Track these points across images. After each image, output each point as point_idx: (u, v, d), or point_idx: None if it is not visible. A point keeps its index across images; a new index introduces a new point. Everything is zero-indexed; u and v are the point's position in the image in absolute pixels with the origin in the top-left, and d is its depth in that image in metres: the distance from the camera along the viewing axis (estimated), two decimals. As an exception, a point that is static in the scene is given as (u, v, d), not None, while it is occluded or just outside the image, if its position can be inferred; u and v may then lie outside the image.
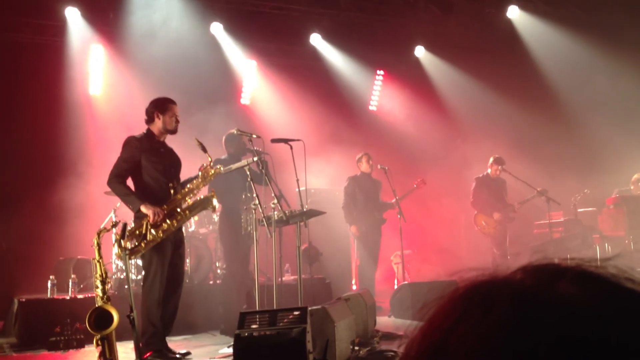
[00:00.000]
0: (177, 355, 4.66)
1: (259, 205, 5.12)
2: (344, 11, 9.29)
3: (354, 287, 8.14)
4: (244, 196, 5.64)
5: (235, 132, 5.54)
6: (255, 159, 5.26)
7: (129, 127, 6.00)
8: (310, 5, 9.10)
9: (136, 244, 4.38)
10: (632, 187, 8.81)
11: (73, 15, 7.95)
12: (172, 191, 4.64)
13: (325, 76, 9.72)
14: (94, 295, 3.83)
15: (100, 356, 3.62)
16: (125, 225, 3.97)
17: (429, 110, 10.02)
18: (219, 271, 6.95)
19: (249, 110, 9.38)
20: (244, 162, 5.20)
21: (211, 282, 6.88)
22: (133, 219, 4.67)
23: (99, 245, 3.77)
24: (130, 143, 4.65)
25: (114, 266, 6.54)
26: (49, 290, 5.87)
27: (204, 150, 4.75)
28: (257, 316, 3.84)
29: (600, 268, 0.52)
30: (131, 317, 3.71)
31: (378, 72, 10.32)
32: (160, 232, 4.46)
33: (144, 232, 4.39)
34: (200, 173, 4.77)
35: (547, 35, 9.67)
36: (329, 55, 9.70)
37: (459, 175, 9.41)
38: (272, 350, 3.60)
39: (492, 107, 9.89)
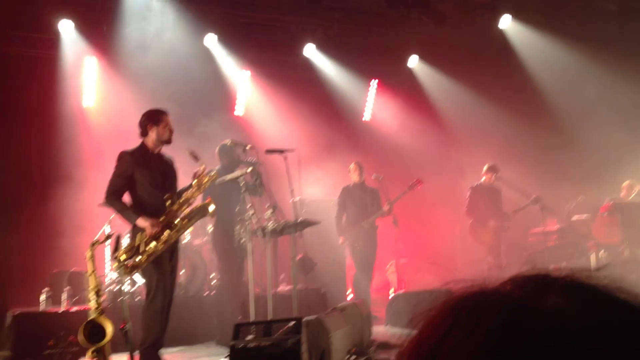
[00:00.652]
0: (172, 368, 4.63)
1: (253, 216, 5.12)
2: (338, 22, 9.33)
3: (350, 297, 8.12)
4: (237, 207, 5.64)
5: (228, 143, 5.56)
6: (250, 169, 5.27)
7: (123, 139, 5.99)
8: (304, 17, 9.14)
9: (137, 258, 4.37)
10: (622, 194, 8.86)
11: (67, 28, 7.96)
12: (168, 202, 4.65)
13: (319, 87, 9.76)
14: (88, 307, 3.81)
15: (94, 369, 3.60)
16: (118, 237, 3.96)
17: (423, 119, 10.06)
18: (213, 282, 6.92)
19: (242, 121, 9.40)
20: (237, 172, 5.21)
21: (206, 294, 6.86)
22: (131, 229, 4.67)
23: (92, 257, 3.76)
24: (122, 158, 4.67)
25: (107, 278, 6.52)
26: (42, 303, 5.84)
27: (196, 159, 4.76)
28: (252, 327, 3.82)
29: (591, 278, 0.52)
30: (125, 330, 3.69)
31: (372, 82, 10.36)
32: (160, 243, 4.47)
33: (143, 245, 4.39)
34: (194, 181, 4.77)
35: (539, 44, 9.74)
36: (323, 65, 9.74)
37: (453, 184, 9.44)
38: (268, 361, 3.59)
39: (485, 116, 9.94)
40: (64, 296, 5.90)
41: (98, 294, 3.73)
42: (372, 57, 9.90)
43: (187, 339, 6.04)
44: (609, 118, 9.60)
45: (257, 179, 5.35)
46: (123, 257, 4.27)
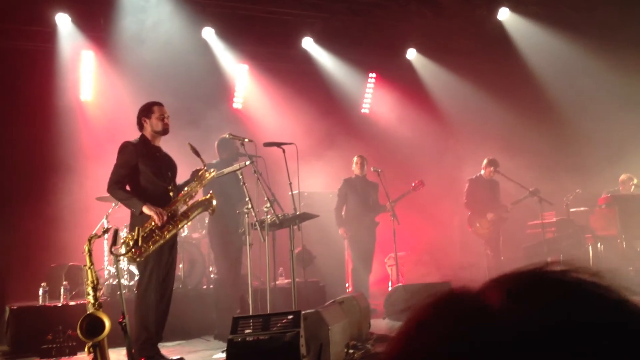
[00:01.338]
0: (170, 361, 4.63)
1: (251, 209, 5.12)
2: (336, 15, 9.30)
3: (348, 290, 8.13)
4: (234, 200, 5.64)
5: (227, 136, 5.55)
6: (248, 162, 5.26)
7: (121, 133, 5.97)
8: (302, 10, 9.10)
9: (144, 245, 4.36)
10: (620, 188, 8.87)
11: (64, 22, 7.93)
12: (171, 194, 4.66)
13: (317, 79, 9.73)
14: (86, 301, 3.80)
15: (92, 363, 3.60)
16: (116, 231, 3.95)
17: (421, 112, 10.04)
18: (212, 276, 6.93)
19: (241, 114, 9.37)
20: (236, 166, 5.19)
21: (204, 287, 6.86)
22: (129, 222, 4.66)
23: (90, 251, 3.75)
24: (126, 148, 4.66)
25: (106, 272, 6.52)
26: (40, 297, 5.83)
27: (197, 154, 4.76)
28: (250, 321, 3.82)
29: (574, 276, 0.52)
30: (123, 324, 3.69)
31: (370, 75, 10.34)
32: (165, 232, 4.47)
33: (148, 232, 4.39)
34: (195, 177, 4.78)
35: (537, 36, 9.71)
36: (321, 58, 9.71)
37: (452, 176, 9.44)
38: (266, 355, 3.59)
39: (484, 108, 9.93)
40: (62, 290, 5.90)
41: (95, 288, 3.72)
42: (371, 49, 9.87)
43: (186, 333, 6.04)
44: (608, 110, 9.59)
45: (255, 172, 5.35)
46: (128, 245, 4.27)
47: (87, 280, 3.75)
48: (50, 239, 7.03)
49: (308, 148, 8.14)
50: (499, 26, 9.84)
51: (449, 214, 9.77)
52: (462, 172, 8.98)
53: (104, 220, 6.44)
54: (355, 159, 7.66)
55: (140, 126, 4.77)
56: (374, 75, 10.35)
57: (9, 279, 6.93)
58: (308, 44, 9.53)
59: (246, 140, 5.38)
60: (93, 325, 3.60)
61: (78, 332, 3.58)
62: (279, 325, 3.71)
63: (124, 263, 6.16)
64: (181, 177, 5.00)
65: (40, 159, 7.64)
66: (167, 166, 4.81)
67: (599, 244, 8.78)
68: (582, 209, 9.07)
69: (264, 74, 9.30)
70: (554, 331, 0.47)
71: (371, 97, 10.43)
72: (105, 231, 4.11)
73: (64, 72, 7.99)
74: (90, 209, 6.99)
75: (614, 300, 0.50)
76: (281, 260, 7.12)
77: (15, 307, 5.74)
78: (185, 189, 4.73)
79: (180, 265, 6.58)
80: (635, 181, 8.80)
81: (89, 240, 3.78)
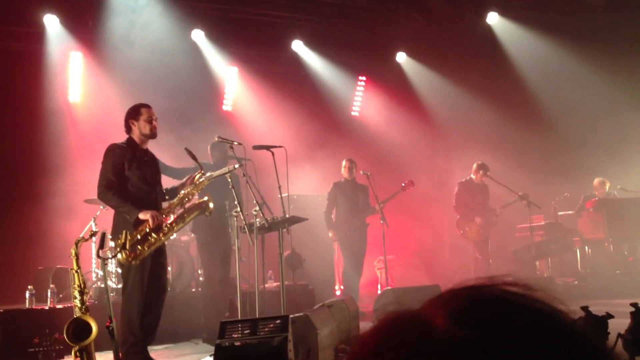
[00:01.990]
0: (158, 365, 4.61)
1: (240, 212, 5.11)
2: (326, 18, 9.31)
3: (338, 293, 8.14)
4: (222, 202, 5.64)
5: (216, 139, 5.54)
6: (237, 165, 5.26)
7: (110, 135, 5.94)
8: (292, 12, 9.10)
9: (140, 247, 4.34)
10: (596, 193, 8.95)
11: (52, 23, 7.88)
12: (166, 197, 4.65)
13: (307, 82, 9.74)
14: (74, 305, 3.77)
15: (79, 367, 3.57)
16: (104, 234, 3.92)
17: (410, 115, 10.07)
18: (200, 279, 6.91)
19: (231, 116, 9.36)
20: (225, 169, 5.18)
21: (193, 290, 6.83)
22: (112, 226, 4.63)
23: (77, 255, 3.72)
24: (112, 150, 4.61)
25: (93, 275, 6.47)
26: (27, 300, 5.78)
27: (194, 158, 4.74)
28: (238, 325, 3.81)
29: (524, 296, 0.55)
30: (110, 328, 3.66)
31: (360, 78, 10.36)
32: (161, 234, 4.45)
33: (144, 235, 4.37)
34: (195, 179, 4.77)
35: (526, 40, 9.79)
36: (311, 61, 9.72)
37: (441, 179, 9.48)
38: (254, 359, 3.58)
39: (473, 112, 9.98)
40: (49, 293, 5.85)
41: (82, 292, 3.69)
42: (360, 52, 9.90)
43: (174, 337, 6.01)
44: (596, 114, 9.68)
45: (244, 175, 5.35)
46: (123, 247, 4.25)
47: (74, 284, 3.72)
48: (38, 242, 6.98)
49: (298, 150, 8.14)
50: (488, 30, 9.90)
51: (439, 217, 9.80)
52: (451, 175, 9.03)
53: (92, 223, 6.39)
54: (344, 162, 7.68)
55: (128, 129, 4.73)
56: (363, 78, 10.38)
57: (-4, 282, 6.86)
58: (298, 46, 9.54)
59: (235, 143, 5.37)
60: (80, 329, 3.57)
61: (65, 336, 3.56)
62: (266, 329, 3.70)
63: (111, 266, 6.12)
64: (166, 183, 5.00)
65: (28, 161, 7.59)
66: (153, 170, 4.79)
67: (586, 247, 8.85)
68: (570, 212, 9.14)
69: (254, 76, 9.29)
70: (493, 350, 0.50)
71: (361, 100, 10.45)
72: (93, 234, 4.08)
73: (52, 74, 7.94)
74: (78, 211, 6.94)
75: (537, 313, 0.53)
76: (270, 264, 7.11)
77: (1, 310, 5.67)
78: (182, 192, 4.70)
79: (169, 268, 6.55)
80: (608, 185, 8.90)
81: (76, 244, 3.75)
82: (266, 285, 6.88)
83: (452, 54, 9.94)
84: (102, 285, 6.04)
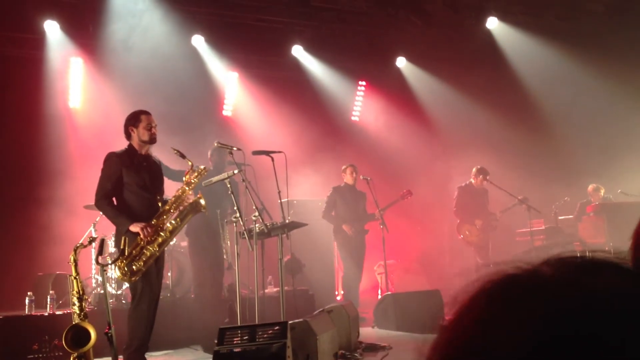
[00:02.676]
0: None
1: (240, 218, 5.11)
2: (326, 23, 9.32)
3: (338, 298, 8.12)
4: (219, 212, 5.67)
5: (215, 144, 5.54)
6: (236, 171, 5.26)
7: (110, 141, 5.95)
8: (292, 17, 9.12)
9: (135, 264, 4.34)
10: (591, 199, 8.94)
11: (52, 29, 7.90)
12: (159, 204, 4.63)
13: (307, 87, 9.75)
14: (73, 311, 3.77)
15: (77, 374, 3.56)
16: (103, 240, 3.92)
17: (410, 120, 10.08)
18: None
19: (231, 121, 9.37)
20: (224, 175, 5.18)
21: (193, 296, 6.82)
22: (115, 232, 4.64)
23: (75, 261, 3.72)
24: (110, 159, 4.63)
25: (93, 281, 6.47)
26: (27, 306, 5.77)
27: (183, 156, 4.75)
28: (237, 332, 3.80)
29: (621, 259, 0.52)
30: (109, 334, 3.66)
31: (360, 82, 10.37)
32: (156, 245, 4.44)
33: (133, 248, 4.36)
34: (184, 178, 4.75)
35: (526, 45, 9.79)
36: (311, 66, 9.73)
37: (441, 184, 9.46)
38: (253, 365, 3.57)
39: (473, 117, 9.98)
40: (48, 300, 5.84)
41: (81, 298, 3.69)
42: (360, 57, 9.91)
43: (174, 343, 5.99)
44: (596, 118, 9.66)
45: (243, 180, 5.35)
46: (121, 265, 4.23)
47: (73, 290, 3.72)
48: (37, 247, 6.98)
49: (298, 156, 8.14)
50: (488, 35, 9.91)
51: (439, 222, 9.79)
52: (451, 180, 9.01)
53: (92, 229, 6.40)
54: (348, 168, 7.67)
55: (128, 135, 4.74)
56: (363, 83, 10.39)
57: (-5, 288, 6.85)
58: (298, 51, 9.55)
59: (234, 148, 5.37)
60: (79, 336, 3.57)
61: (63, 343, 3.55)
62: (265, 336, 3.70)
63: (111, 272, 6.12)
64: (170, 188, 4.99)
65: (28, 166, 7.59)
66: (154, 176, 4.78)
67: (587, 252, 8.81)
68: (570, 217, 9.13)
69: (254, 81, 9.30)
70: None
71: (361, 105, 10.46)
72: (92, 240, 4.09)
73: (53, 80, 7.95)
74: (78, 217, 6.94)
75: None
76: (270, 269, 7.10)
77: (1, 317, 5.67)
78: (175, 194, 4.70)
79: (169, 274, 6.55)
80: (603, 191, 8.89)
81: (75, 250, 3.76)
82: (266, 291, 6.87)
83: (452, 59, 9.95)
84: (102, 291, 6.04)
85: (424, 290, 7.04)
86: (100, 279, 6.16)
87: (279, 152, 5.87)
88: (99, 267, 4.71)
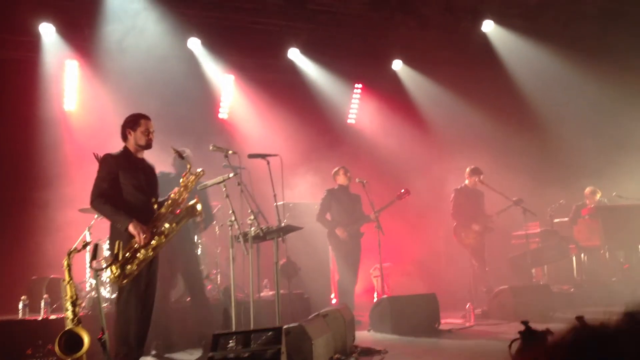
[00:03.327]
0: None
1: (235, 221, 5.09)
2: (322, 25, 9.32)
3: (334, 302, 8.11)
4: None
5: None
6: (232, 175, 5.24)
7: (105, 143, 5.90)
8: (288, 20, 9.11)
9: (128, 267, 4.30)
10: (587, 201, 8.96)
11: (48, 31, 7.88)
12: (155, 206, 4.60)
13: (303, 90, 9.74)
14: (65, 317, 3.75)
15: (70, 380, 3.54)
16: (97, 245, 3.90)
17: (407, 122, 10.08)
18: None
19: (227, 124, 9.36)
20: (219, 178, 5.16)
21: (188, 299, 6.79)
22: (109, 235, 4.60)
23: (69, 266, 3.70)
24: (106, 160, 4.59)
25: (87, 285, 6.43)
26: (20, 310, 5.74)
27: (181, 157, 4.72)
28: (231, 337, 3.79)
29: None
30: (102, 340, 3.64)
31: (356, 85, 10.37)
32: (150, 249, 4.40)
33: (132, 253, 4.32)
34: (181, 180, 4.72)
35: (521, 48, 9.81)
36: (307, 69, 9.72)
37: (437, 187, 9.46)
38: (247, 370, 3.55)
39: (469, 120, 9.99)
40: (42, 304, 5.81)
41: (75, 303, 3.67)
42: (356, 60, 9.91)
43: (169, 347, 5.96)
44: (591, 121, 9.69)
45: (239, 183, 5.33)
46: (115, 270, 4.19)
47: (66, 295, 3.70)
48: (31, 251, 6.94)
49: (294, 158, 8.14)
50: (484, 38, 9.93)
51: (434, 225, 9.79)
52: (447, 183, 9.01)
53: (86, 232, 6.36)
54: (340, 169, 7.68)
55: (124, 137, 4.71)
56: (359, 85, 10.39)
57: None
58: (294, 54, 9.55)
59: (230, 152, 5.35)
60: (72, 341, 3.55)
61: (56, 348, 3.53)
62: (259, 341, 3.68)
63: (105, 276, 6.09)
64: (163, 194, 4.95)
65: (23, 170, 7.56)
66: (149, 179, 4.75)
67: (582, 255, 8.85)
68: (565, 219, 9.14)
69: (250, 84, 9.30)
70: None
71: (357, 107, 10.46)
72: (86, 245, 4.06)
73: (48, 82, 7.93)
74: (73, 221, 6.90)
75: None
76: (266, 272, 7.09)
77: (-6, 321, 5.64)
78: (171, 196, 4.67)
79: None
80: (599, 194, 8.92)
81: (69, 255, 3.73)
82: (261, 294, 6.86)
83: (448, 62, 9.96)
84: (96, 295, 6.00)
85: (420, 294, 7.02)
86: (94, 282, 6.14)
87: (275, 155, 5.86)
88: (93, 271, 4.69)
